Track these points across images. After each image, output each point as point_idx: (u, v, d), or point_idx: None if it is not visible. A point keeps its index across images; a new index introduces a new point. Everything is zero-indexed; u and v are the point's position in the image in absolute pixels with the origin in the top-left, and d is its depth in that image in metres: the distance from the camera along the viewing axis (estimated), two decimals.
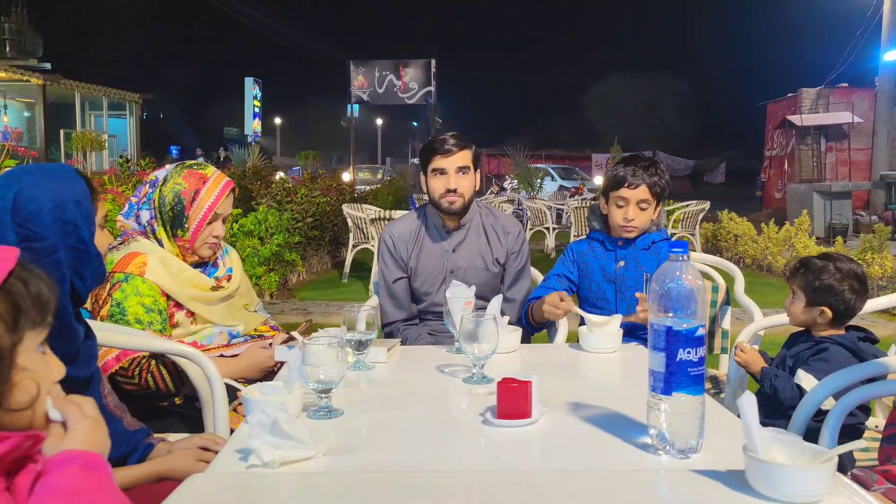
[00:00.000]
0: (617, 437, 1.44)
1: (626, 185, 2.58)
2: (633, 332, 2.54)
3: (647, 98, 47.77)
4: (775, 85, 28.95)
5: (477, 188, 2.75)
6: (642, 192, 2.57)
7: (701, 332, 1.31)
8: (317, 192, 8.85)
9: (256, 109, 37.13)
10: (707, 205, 10.89)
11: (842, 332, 2.22)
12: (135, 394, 2.09)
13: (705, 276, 3.02)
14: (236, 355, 2.27)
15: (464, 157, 2.66)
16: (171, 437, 1.90)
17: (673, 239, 1.91)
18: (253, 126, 36.51)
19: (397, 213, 7.43)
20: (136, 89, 26.49)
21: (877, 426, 2.32)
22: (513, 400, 1.51)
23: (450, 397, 1.81)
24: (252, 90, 36.72)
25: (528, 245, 2.91)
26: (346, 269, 8.74)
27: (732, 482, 1.17)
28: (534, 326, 2.67)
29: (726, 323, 2.96)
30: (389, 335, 2.73)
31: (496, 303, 2.12)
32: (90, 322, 1.72)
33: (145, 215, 2.29)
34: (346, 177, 17.05)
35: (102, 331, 1.88)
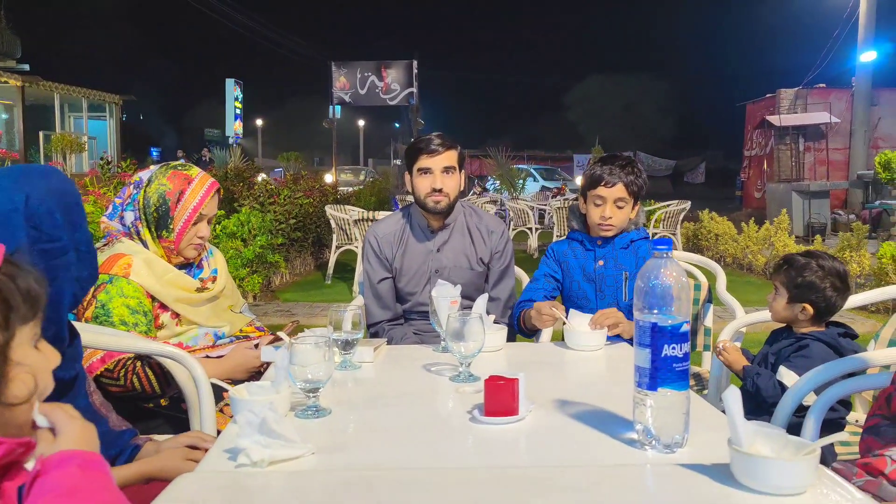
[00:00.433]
0: (603, 433, 1.45)
1: (602, 183, 2.60)
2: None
3: (629, 99, 48.08)
4: (754, 85, 29.28)
5: (462, 188, 2.76)
6: (619, 190, 2.60)
7: (685, 328, 1.33)
8: (299, 193, 8.83)
9: (238, 111, 36.90)
10: (688, 205, 10.98)
11: (822, 328, 2.25)
12: (120, 396, 2.07)
13: (688, 274, 3.05)
14: (222, 356, 2.26)
15: (449, 157, 2.67)
16: (157, 438, 1.89)
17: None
18: (234, 127, 36.28)
19: (380, 214, 7.44)
20: (116, 91, 26.30)
21: (857, 420, 2.35)
22: (500, 397, 1.52)
23: (437, 396, 1.82)
24: (233, 91, 36.49)
25: (512, 244, 2.93)
26: (330, 270, 8.72)
27: (718, 475, 1.19)
28: (527, 333, 2.69)
29: (708, 320, 2.99)
30: (374, 335, 2.73)
31: (482, 302, 2.14)
32: (74, 323, 1.71)
33: (129, 216, 2.28)
34: (329, 178, 17.01)
35: (87, 332, 1.87)
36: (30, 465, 0.92)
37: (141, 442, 1.69)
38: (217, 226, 6.78)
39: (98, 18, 52.74)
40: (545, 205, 13.30)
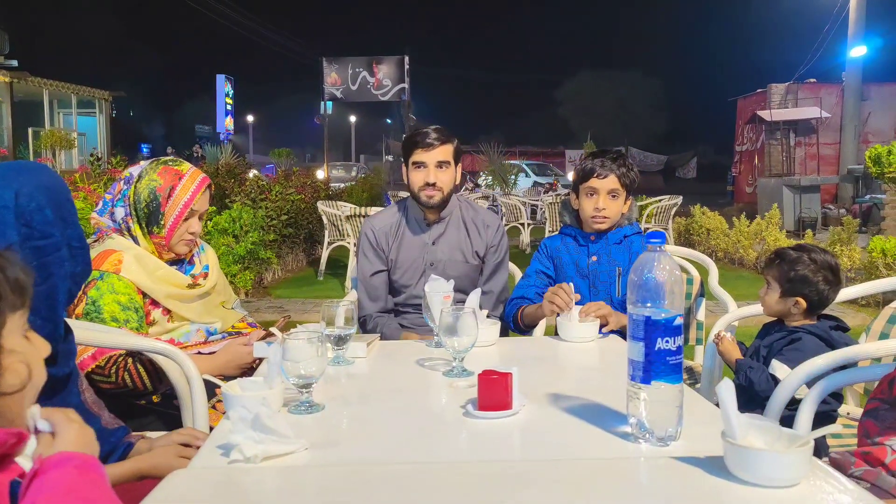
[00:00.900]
0: (597, 427, 1.45)
1: (595, 175, 2.60)
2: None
3: (620, 95, 48.10)
4: (745, 81, 29.30)
5: (457, 182, 2.77)
6: (612, 181, 2.60)
7: (679, 321, 1.33)
8: (291, 189, 8.81)
9: (228, 107, 36.84)
10: (679, 199, 11.01)
11: (814, 321, 2.26)
12: (112, 393, 2.06)
13: (680, 268, 3.06)
14: (214, 352, 2.25)
15: (444, 151, 2.67)
16: (150, 434, 1.88)
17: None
18: (225, 124, 36.22)
19: (372, 210, 7.41)
20: (106, 87, 26.15)
21: (848, 413, 2.36)
22: (493, 392, 1.52)
23: (430, 391, 1.82)
24: (224, 87, 36.43)
25: (508, 239, 2.93)
26: (322, 266, 8.70)
27: (711, 468, 1.19)
28: (522, 330, 2.69)
29: (701, 314, 3.00)
30: (362, 324, 2.73)
31: (475, 297, 2.13)
32: (66, 320, 1.70)
33: (120, 212, 2.26)
34: (321, 174, 16.97)
35: (78, 329, 1.85)
36: (27, 465, 0.92)
37: (133, 440, 1.68)
38: (208, 222, 6.76)
39: (87, 14, 52.44)
40: (537, 200, 13.34)
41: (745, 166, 22.62)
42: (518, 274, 3.01)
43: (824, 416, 2.09)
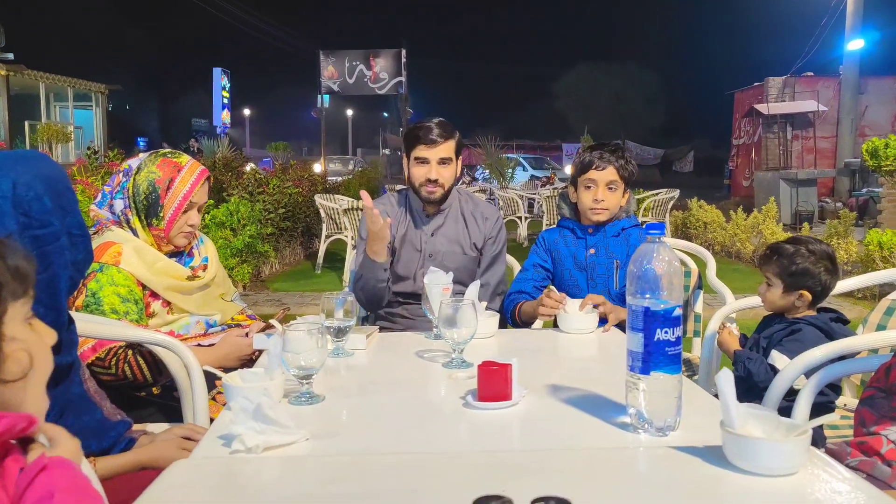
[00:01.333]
0: (596, 418, 1.46)
1: (593, 167, 2.62)
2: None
3: (617, 88, 47.98)
4: (742, 74, 29.33)
5: (459, 175, 2.77)
6: (610, 173, 2.61)
7: (678, 312, 1.34)
8: (288, 182, 8.81)
9: (225, 100, 36.72)
10: (676, 193, 11.02)
11: (813, 313, 2.26)
12: (112, 384, 2.07)
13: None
14: (213, 344, 2.26)
15: (447, 148, 2.67)
16: (151, 427, 1.89)
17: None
18: (222, 117, 36.11)
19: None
20: (102, 80, 26.07)
21: (845, 404, 2.37)
22: (493, 383, 1.53)
23: (430, 382, 1.82)
24: (220, 81, 36.30)
25: (506, 231, 2.93)
26: (320, 259, 8.70)
27: (710, 457, 1.20)
28: (520, 325, 2.69)
29: (698, 307, 3.01)
30: (356, 281, 2.67)
31: (474, 288, 2.14)
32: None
33: (119, 204, 2.26)
34: (318, 168, 16.94)
35: (78, 321, 1.84)
36: (30, 457, 0.92)
37: (136, 435, 1.69)
38: (206, 215, 6.76)
39: (84, 7, 52.22)
40: (534, 194, 13.33)
41: (742, 160, 22.64)
42: (517, 267, 3.01)
43: (822, 408, 2.10)
